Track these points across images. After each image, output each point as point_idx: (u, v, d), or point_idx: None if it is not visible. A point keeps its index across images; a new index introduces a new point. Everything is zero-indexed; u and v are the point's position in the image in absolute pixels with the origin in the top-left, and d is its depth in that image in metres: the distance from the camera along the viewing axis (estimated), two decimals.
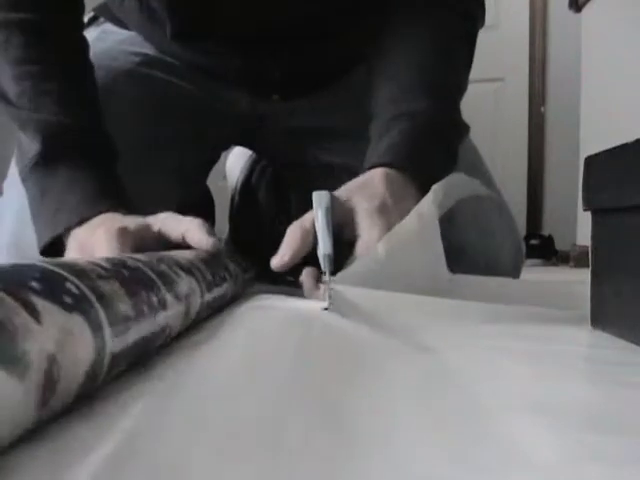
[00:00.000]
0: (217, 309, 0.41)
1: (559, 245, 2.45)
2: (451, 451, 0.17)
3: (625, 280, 0.36)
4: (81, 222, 0.49)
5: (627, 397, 0.23)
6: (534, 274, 1.55)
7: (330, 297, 0.39)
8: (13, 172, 0.66)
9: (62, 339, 0.16)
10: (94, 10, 0.76)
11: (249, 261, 0.56)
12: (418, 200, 0.49)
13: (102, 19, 0.75)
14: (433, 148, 0.54)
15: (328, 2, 0.68)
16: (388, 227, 0.46)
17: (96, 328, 0.19)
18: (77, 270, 0.20)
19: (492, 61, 2.48)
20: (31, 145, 0.53)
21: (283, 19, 0.68)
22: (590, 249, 0.40)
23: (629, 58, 1.70)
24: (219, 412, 0.20)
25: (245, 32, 0.69)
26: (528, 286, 0.63)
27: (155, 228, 0.46)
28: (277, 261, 0.45)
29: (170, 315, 0.27)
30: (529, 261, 2.27)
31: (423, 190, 0.49)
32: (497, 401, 0.22)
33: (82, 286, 0.19)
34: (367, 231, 0.46)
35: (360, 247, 0.46)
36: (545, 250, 2.45)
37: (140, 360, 0.25)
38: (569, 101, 2.39)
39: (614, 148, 0.36)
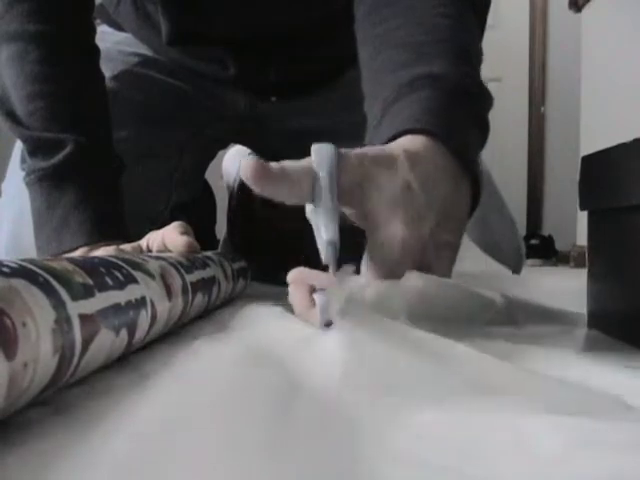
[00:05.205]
0: (213, 296, 0.42)
1: (559, 245, 2.45)
2: (456, 442, 0.18)
3: (622, 280, 0.35)
4: (82, 246, 0.51)
5: (624, 393, 0.24)
6: (534, 274, 1.55)
7: (341, 306, 0.29)
8: (12, 173, 0.66)
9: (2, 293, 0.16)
10: None
11: (245, 257, 0.56)
12: (456, 177, 0.38)
13: (99, 20, 0.75)
14: (465, 115, 0.41)
15: (324, 6, 0.68)
16: (412, 219, 0.35)
17: (44, 286, 0.19)
18: (25, 259, 0.20)
19: (491, 61, 2.47)
20: (38, 160, 0.53)
21: (278, 24, 0.68)
22: (587, 249, 0.40)
23: (629, 58, 1.69)
24: (217, 412, 0.20)
25: (240, 37, 0.69)
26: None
27: (144, 246, 0.47)
28: (253, 163, 0.33)
29: (144, 288, 0.28)
30: (529, 261, 2.26)
31: (463, 163, 0.38)
32: (498, 398, 0.22)
33: (23, 263, 0.19)
34: (388, 223, 0.35)
35: (379, 244, 0.35)
36: (545, 250, 2.45)
37: (132, 337, 0.26)
38: (569, 101, 2.39)
39: (611, 148, 0.36)
